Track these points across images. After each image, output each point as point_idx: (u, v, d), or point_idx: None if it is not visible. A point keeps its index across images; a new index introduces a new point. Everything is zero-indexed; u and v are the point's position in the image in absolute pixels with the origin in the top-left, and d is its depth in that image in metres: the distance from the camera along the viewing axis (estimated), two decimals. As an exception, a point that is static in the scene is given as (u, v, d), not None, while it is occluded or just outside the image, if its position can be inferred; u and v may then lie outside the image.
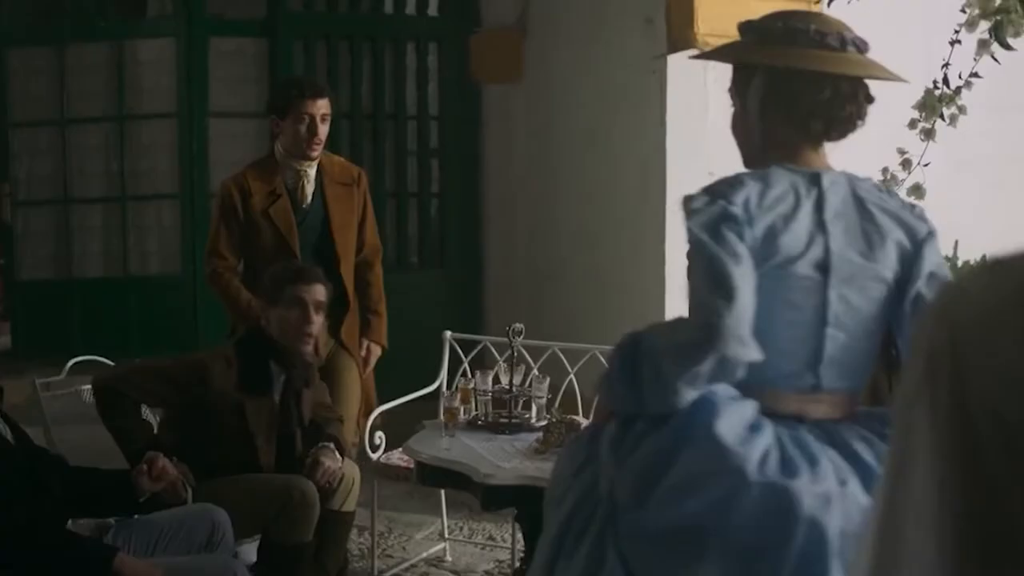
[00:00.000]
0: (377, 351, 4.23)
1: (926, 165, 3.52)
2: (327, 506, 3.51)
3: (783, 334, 2.03)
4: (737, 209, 1.98)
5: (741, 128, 2.16)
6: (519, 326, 3.84)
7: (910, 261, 2.06)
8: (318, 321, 3.54)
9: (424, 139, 6.62)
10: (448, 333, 4.61)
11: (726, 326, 1.89)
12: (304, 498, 3.39)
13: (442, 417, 3.87)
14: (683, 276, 2.08)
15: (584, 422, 3.54)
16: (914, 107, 3.50)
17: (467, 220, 6.51)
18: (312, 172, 4.06)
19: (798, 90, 2.06)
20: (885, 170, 3.51)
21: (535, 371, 3.99)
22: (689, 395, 1.96)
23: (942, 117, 3.51)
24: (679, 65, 4.94)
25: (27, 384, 4.14)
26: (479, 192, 6.49)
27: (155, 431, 3.63)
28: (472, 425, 3.61)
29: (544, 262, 5.91)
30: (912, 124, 3.52)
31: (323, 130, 3.98)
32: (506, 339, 3.85)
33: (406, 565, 4.44)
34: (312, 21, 6.46)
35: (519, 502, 3.22)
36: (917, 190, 3.40)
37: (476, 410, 3.71)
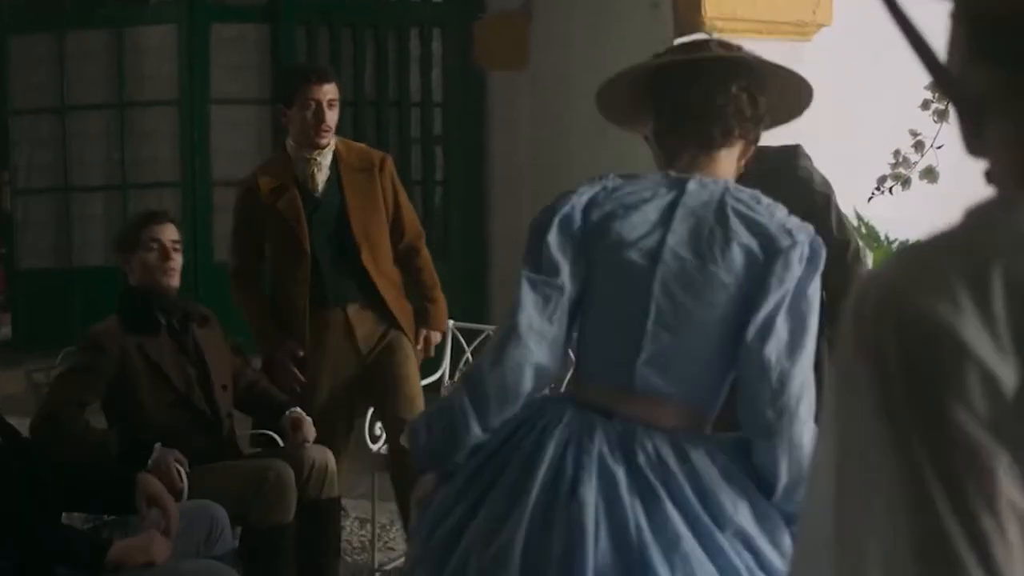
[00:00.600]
0: (436, 338, 4.14)
1: (939, 147, 3.43)
2: (308, 496, 3.48)
3: (607, 323, 2.02)
4: (569, 206, 2.02)
5: (655, 157, 2.22)
6: (522, 314, 3.76)
7: (760, 273, 1.94)
8: (177, 259, 3.57)
9: (428, 127, 6.55)
10: (451, 322, 4.54)
11: (503, 337, 1.98)
12: (280, 479, 3.36)
13: (443, 407, 3.79)
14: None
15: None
16: (927, 87, 3.42)
17: (471, 208, 6.43)
18: (325, 161, 3.93)
19: (667, 94, 2.11)
20: (897, 152, 3.43)
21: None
22: (475, 428, 1.97)
23: (956, 98, 3.41)
24: (686, 49, 4.86)
25: (24, 375, 4.10)
26: (484, 180, 6.41)
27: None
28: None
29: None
30: (925, 105, 3.44)
31: (330, 116, 3.85)
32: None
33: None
34: (314, 7, 6.39)
35: (520, 494, 3.13)
36: (930, 173, 3.32)
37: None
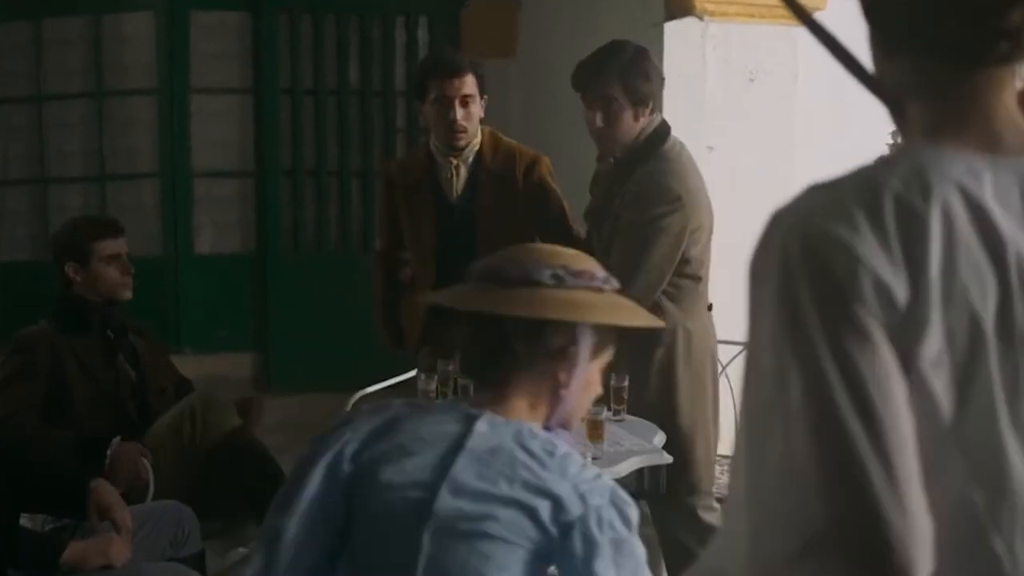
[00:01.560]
0: None
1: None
2: None
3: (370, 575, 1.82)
4: (339, 447, 1.84)
5: None
6: (502, 305, 3.62)
7: (561, 549, 1.73)
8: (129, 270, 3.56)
9: (414, 117, 6.39)
10: (431, 315, 4.39)
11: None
12: (206, 397, 3.48)
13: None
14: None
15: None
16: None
17: (459, 200, 6.29)
18: (466, 163, 3.62)
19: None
20: (895, 133, 3.30)
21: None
22: None
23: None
24: (676, 35, 4.73)
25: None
26: (471, 171, 6.27)
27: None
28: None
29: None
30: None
31: (464, 114, 3.51)
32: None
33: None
34: (297, -7, 6.24)
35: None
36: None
37: (456, 394, 3.48)
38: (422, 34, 6.38)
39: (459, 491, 1.75)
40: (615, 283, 1.90)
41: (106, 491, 2.82)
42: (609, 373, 3.34)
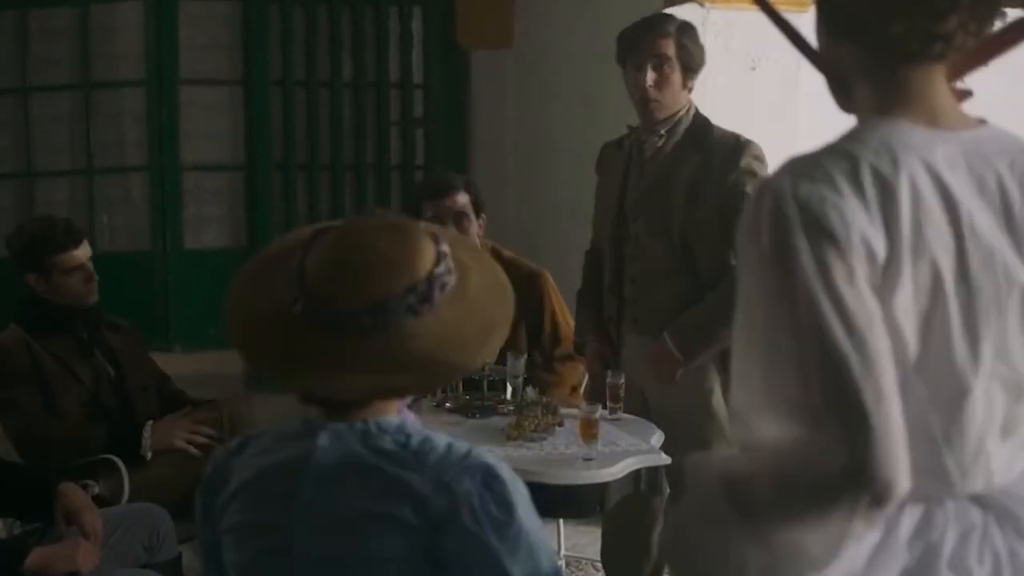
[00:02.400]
0: None
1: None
2: None
3: None
4: (207, 482, 1.68)
5: None
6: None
7: (443, 552, 1.52)
8: (94, 273, 3.41)
9: (408, 108, 6.29)
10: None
11: None
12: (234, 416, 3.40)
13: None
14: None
15: (564, 407, 3.19)
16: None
17: (454, 194, 6.16)
18: None
19: None
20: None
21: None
22: None
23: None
24: (676, 22, 4.59)
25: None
26: (467, 164, 6.16)
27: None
28: (440, 408, 3.26)
29: (536, 237, 5.56)
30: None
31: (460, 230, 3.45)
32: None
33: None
34: (289, -18, 6.12)
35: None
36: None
37: (445, 391, 3.36)
38: (416, 24, 6.27)
39: (317, 525, 1.56)
40: (443, 247, 1.57)
41: (74, 494, 2.70)
42: (606, 371, 3.23)
